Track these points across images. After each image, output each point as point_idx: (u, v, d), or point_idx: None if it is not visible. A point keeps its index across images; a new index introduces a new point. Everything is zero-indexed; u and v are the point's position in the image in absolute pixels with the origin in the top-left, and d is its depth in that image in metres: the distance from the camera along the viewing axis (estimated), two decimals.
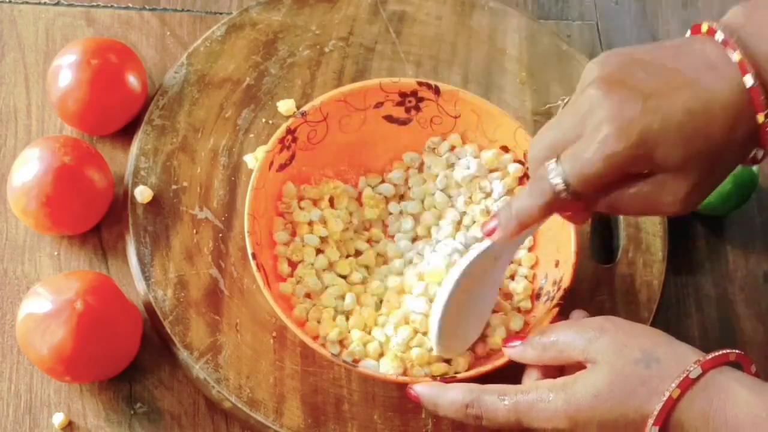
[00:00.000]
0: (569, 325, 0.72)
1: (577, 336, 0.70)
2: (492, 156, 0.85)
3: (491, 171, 0.85)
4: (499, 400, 0.70)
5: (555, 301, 0.78)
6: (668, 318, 0.88)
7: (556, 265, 0.80)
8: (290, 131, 0.83)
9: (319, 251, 0.83)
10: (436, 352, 0.77)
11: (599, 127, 0.65)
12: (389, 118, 0.86)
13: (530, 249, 0.84)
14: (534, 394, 0.69)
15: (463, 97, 0.85)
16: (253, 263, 0.77)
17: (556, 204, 0.69)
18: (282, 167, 0.83)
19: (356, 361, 0.77)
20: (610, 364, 0.67)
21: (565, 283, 0.78)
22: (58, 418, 0.78)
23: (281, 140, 0.82)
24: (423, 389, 0.73)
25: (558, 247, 0.81)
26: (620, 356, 0.68)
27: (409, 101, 0.86)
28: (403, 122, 0.87)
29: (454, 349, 0.78)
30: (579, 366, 0.69)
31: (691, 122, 0.65)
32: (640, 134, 0.65)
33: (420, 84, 0.85)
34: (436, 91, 0.85)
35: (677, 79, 0.66)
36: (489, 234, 0.72)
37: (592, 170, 0.66)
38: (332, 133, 0.85)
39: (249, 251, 0.77)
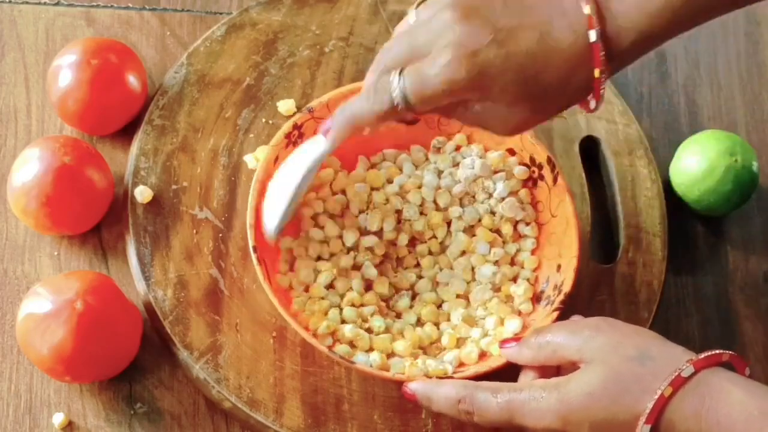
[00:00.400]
0: (565, 326, 0.72)
1: (572, 336, 0.70)
2: (498, 157, 0.85)
3: (495, 172, 0.85)
4: (492, 397, 0.70)
5: (555, 305, 0.78)
6: (668, 318, 0.88)
7: (558, 269, 0.80)
8: (297, 127, 0.83)
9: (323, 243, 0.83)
10: (271, 237, 0.79)
11: (445, 51, 0.67)
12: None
13: (533, 252, 0.84)
14: (527, 393, 0.69)
15: None
16: (254, 256, 0.77)
17: (392, 115, 0.71)
18: None
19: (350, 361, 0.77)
20: (604, 362, 0.68)
21: (566, 287, 0.78)
22: (58, 418, 0.78)
23: (287, 135, 0.82)
24: (418, 386, 0.73)
25: (560, 251, 0.81)
26: (615, 354, 0.68)
27: None
28: (410, 122, 0.86)
29: (274, 234, 0.79)
30: (574, 367, 0.69)
31: (530, 65, 0.68)
32: (481, 67, 0.67)
33: None
34: None
35: (529, 20, 0.68)
36: (325, 133, 0.75)
37: (431, 91, 0.68)
38: None
39: (250, 244, 0.77)
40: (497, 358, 0.76)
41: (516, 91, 0.68)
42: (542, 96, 0.69)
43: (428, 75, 0.68)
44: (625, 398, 0.66)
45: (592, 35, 0.67)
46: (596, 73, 0.68)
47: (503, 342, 0.75)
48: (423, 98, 0.69)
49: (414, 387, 0.73)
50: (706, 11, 0.70)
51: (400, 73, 0.69)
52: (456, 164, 0.86)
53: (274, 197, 0.79)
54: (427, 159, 0.87)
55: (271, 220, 0.78)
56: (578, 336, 0.70)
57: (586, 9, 0.67)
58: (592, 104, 0.71)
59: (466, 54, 0.67)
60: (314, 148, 0.77)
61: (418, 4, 0.73)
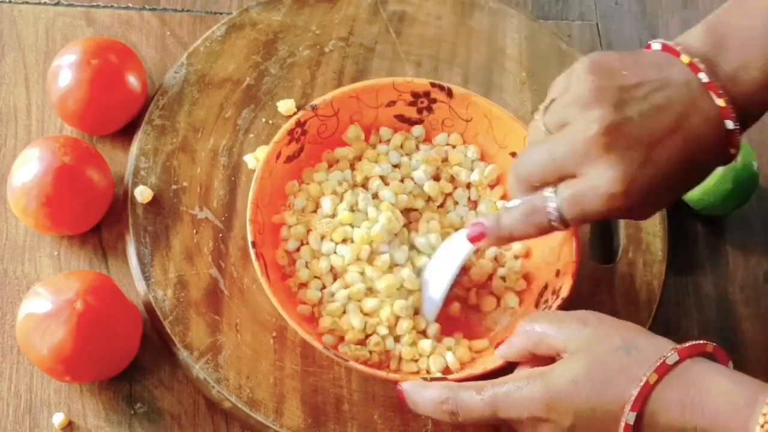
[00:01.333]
0: (553, 317, 0.73)
1: (559, 328, 0.71)
2: (490, 171, 0.86)
3: (491, 186, 0.86)
4: (475, 395, 0.70)
5: (552, 310, 0.78)
6: (668, 318, 0.88)
7: (557, 274, 0.80)
8: (300, 124, 0.83)
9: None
10: (430, 320, 0.81)
11: (607, 181, 0.69)
12: (401, 118, 0.86)
13: (525, 256, 0.84)
14: (511, 384, 0.69)
15: (476, 100, 0.85)
16: (252, 252, 0.77)
17: (547, 231, 0.74)
18: (290, 159, 0.83)
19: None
20: (589, 351, 0.68)
21: (564, 292, 0.78)
22: (58, 418, 0.78)
23: (290, 132, 0.82)
24: (407, 386, 0.73)
25: (560, 256, 0.81)
26: (600, 345, 0.68)
27: (422, 102, 0.86)
28: (415, 123, 0.87)
29: (432, 318, 0.81)
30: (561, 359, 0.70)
31: (681, 171, 0.70)
32: (641, 189, 0.69)
33: (433, 85, 0.85)
34: (449, 93, 0.85)
35: (666, 123, 0.69)
36: (476, 240, 0.77)
37: (590, 214, 0.71)
38: (343, 130, 0.85)
39: (249, 239, 0.78)
40: (492, 359, 0.76)
41: (672, 196, 0.73)
42: (691, 184, 0.74)
43: (588, 200, 0.70)
44: (609, 386, 0.66)
45: (729, 124, 0.70)
46: (732, 151, 0.71)
47: (496, 345, 0.75)
48: (581, 219, 0.72)
49: (404, 387, 0.74)
50: None
51: (554, 193, 0.71)
52: (445, 159, 0.86)
53: (431, 288, 0.81)
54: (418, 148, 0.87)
55: (431, 309, 0.81)
56: (566, 327, 0.70)
57: (719, 101, 0.69)
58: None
59: (626, 184, 0.68)
60: (463, 247, 0.79)
61: (546, 107, 0.73)
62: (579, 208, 0.70)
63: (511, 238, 0.76)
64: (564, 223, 0.72)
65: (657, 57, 0.72)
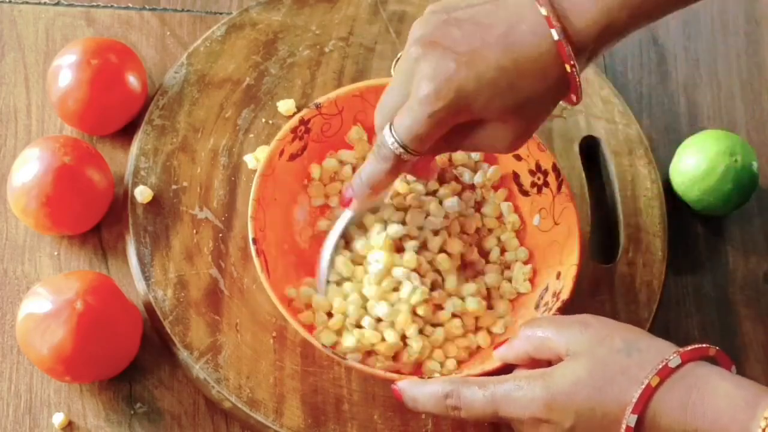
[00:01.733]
0: (554, 320, 0.73)
1: (560, 330, 0.71)
2: (493, 172, 0.86)
3: (495, 188, 0.86)
4: (478, 390, 0.70)
5: (552, 312, 0.78)
6: (668, 318, 0.88)
7: (558, 276, 0.80)
8: (303, 122, 0.83)
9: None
10: (321, 294, 0.80)
11: (419, 87, 0.69)
12: None
13: (526, 262, 0.84)
14: (512, 383, 0.69)
15: None
16: (253, 248, 0.77)
17: (401, 165, 0.74)
18: (293, 157, 0.83)
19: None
20: (591, 353, 0.68)
21: (564, 295, 0.78)
22: (58, 418, 0.78)
23: (293, 130, 0.82)
24: (404, 384, 0.73)
25: (561, 258, 0.81)
26: (602, 346, 0.68)
27: None
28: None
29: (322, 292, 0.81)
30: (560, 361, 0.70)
31: (503, 78, 0.69)
32: (456, 91, 0.69)
33: None
34: None
35: (490, 36, 0.69)
36: (346, 205, 0.79)
37: (421, 129, 0.70)
38: (347, 129, 0.85)
39: (250, 236, 0.78)
40: (491, 361, 0.76)
41: (497, 105, 0.70)
42: (526, 103, 0.70)
43: (412, 115, 0.70)
44: (611, 387, 0.66)
45: (554, 34, 0.68)
46: (567, 68, 0.69)
47: (496, 346, 0.75)
48: (418, 139, 0.71)
49: (401, 386, 0.73)
50: (668, 2, 0.72)
51: (390, 125, 0.72)
52: (449, 159, 0.86)
53: (321, 263, 0.81)
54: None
55: (320, 282, 0.81)
56: (567, 331, 0.70)
57: (543, 10, 0.69)
58: (574, 98, 0.71)
59: (439, 85, 0.69)
60: (342, 218, 0.81)
61: (396, 61, 0.75)
62: (407, 124, 0.70)
63: (373, 186, 0.76)
64: (407, 150, 0.71)
65: None
